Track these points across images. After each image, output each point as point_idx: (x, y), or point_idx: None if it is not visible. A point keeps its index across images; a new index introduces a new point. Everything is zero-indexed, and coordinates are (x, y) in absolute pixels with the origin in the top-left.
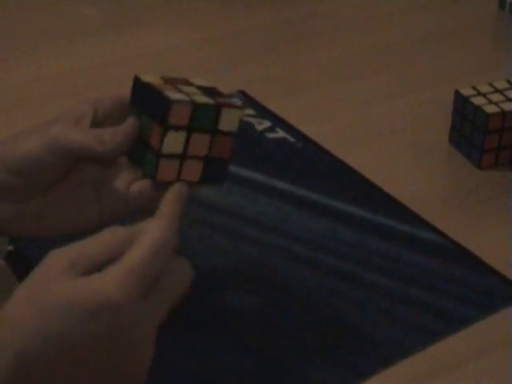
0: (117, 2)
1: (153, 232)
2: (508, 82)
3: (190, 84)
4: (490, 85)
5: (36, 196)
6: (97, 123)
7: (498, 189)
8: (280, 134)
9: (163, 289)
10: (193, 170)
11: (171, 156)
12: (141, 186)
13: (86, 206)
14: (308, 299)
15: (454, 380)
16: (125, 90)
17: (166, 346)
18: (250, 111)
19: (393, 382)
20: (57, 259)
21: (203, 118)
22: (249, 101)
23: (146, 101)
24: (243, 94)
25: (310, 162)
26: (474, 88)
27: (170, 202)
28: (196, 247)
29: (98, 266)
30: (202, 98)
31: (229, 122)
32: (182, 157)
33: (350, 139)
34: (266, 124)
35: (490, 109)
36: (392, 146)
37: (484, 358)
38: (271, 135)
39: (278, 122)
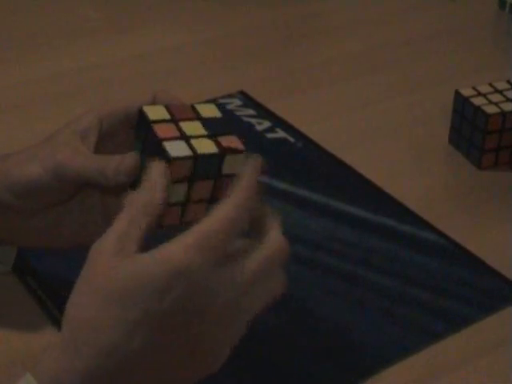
0: (117, 3)
1: (224, 206)
2: (508, 82)
3: (194, 117)
4: (490, 85)
5: (40, 214)
6: (100, 137)
7: (497, 189)
8: (280, 134)
9: (249, 267)
10: (196, 212)
11: (174, 204)
12: None
13: (89, 219)
14: (308, 299)
15: (454, 380)
16: (131, 103)
17: None
18: (250, 111)
19: (393, 382)
20: (101, 247)
21: (205, 167)
22: (249, 101)
23: (149, 143)
24: (243, 94)
25: (310, 162)
26: (474, 88)
27: (246, 173)
28: None
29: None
30: (204, 145)
31: (232, 166)
32: (185, 203)
33: (350, 139)
34: (266, 124)
35: (490, 109)
36: (392, 146)
37: (484, 358)
38: (271, 135)
39: (278, 122)
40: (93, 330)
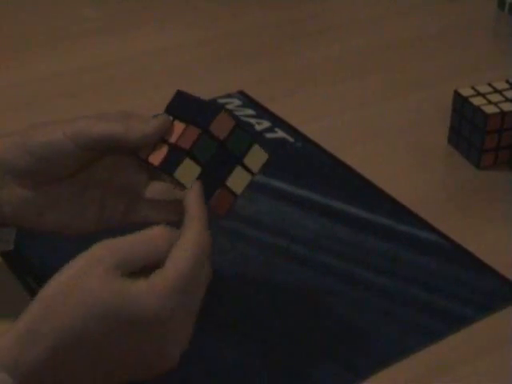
0: (116, 3)
1: (193, 239)
2: (507, 82)
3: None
4: (490, 85)
5: (53, 184)
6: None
7: (496, 189)
8: (279, 134)
9: (199, 287)
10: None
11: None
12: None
13: (86, 210)
14: (307, 299)
15: (454, 380)
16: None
17: None
18: (249, 111)
19: (393, 382)
20: (103, 255)
21: (238, 141)
22: (248, 101)
23: (188, 109)
24: (243, 94)
25: (309, 162)
26: (474, 88)
27: (195, 203)
28: None
29: (144, 268)
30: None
31: (254, 160)
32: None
33: (349, 139)
34: (266, 124)
35: (489, 109)
36: (391, 146)
37: (484, 357)
38: (270, 135)
39: (277, 122)
40: (49, 324)
